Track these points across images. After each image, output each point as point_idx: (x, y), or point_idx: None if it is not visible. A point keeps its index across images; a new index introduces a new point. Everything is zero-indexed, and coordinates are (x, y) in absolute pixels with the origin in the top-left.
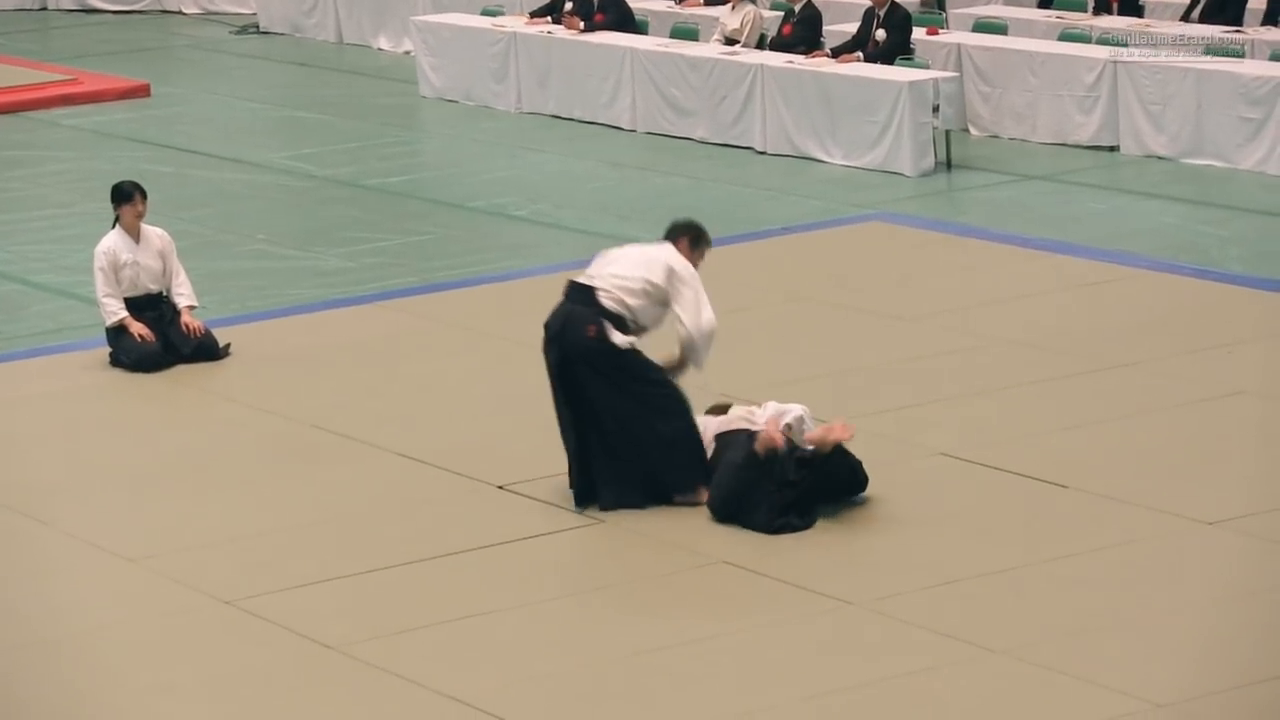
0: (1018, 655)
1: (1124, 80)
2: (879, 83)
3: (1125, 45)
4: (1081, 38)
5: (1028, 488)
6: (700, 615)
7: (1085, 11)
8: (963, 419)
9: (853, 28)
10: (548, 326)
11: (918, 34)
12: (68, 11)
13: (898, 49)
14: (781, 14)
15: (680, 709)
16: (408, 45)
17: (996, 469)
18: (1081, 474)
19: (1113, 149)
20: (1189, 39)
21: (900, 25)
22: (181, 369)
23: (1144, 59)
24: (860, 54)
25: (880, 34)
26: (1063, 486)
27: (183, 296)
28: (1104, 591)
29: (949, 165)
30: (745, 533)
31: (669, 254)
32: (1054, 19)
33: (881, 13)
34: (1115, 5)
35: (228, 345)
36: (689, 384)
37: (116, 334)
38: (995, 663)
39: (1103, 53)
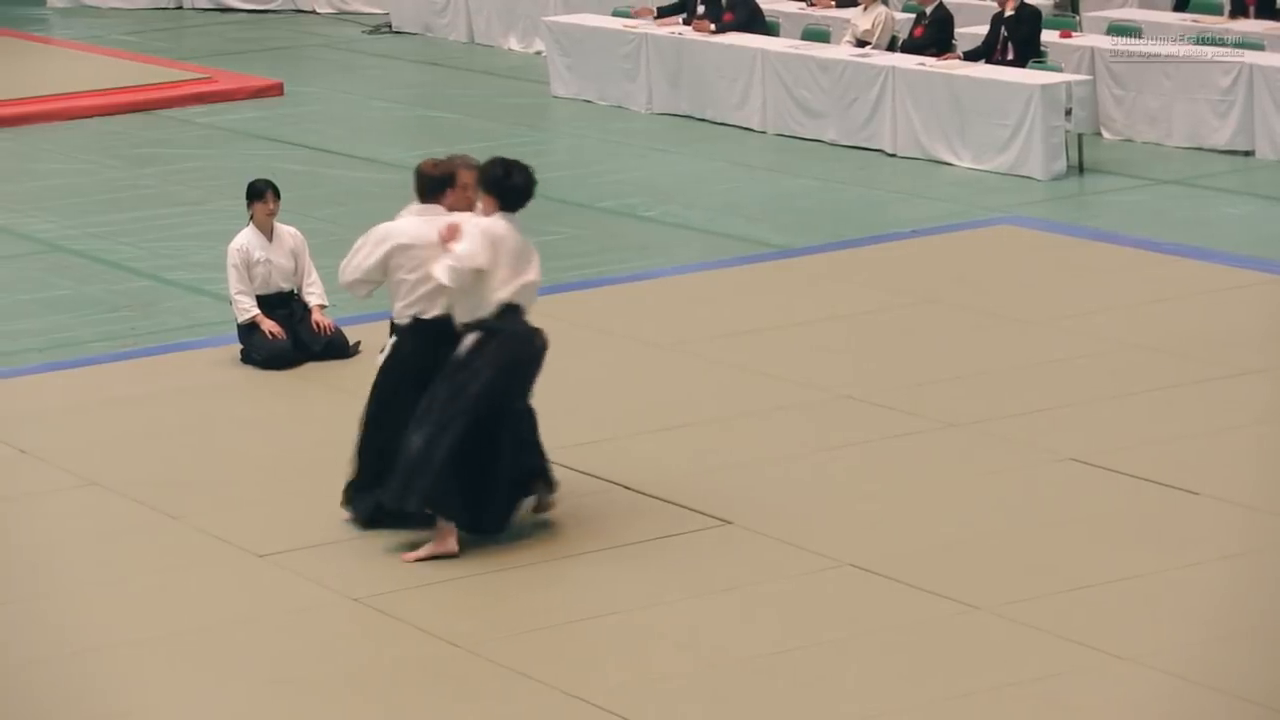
0: (1146, 663)
1: (1260, 84)
2: (1010, 86)
3: (1262, 48)
4: (1217, 41)
5: (1158, 494)
6: (827, 618)
7: (1221, 14)
8: (1093, 424)
9: (984, 30)
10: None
11: (1051, 37)
12: (203, 10)
13: (1028, 44)
14: (913, 16)
15: (806, 711)
16: (538, 45)
17: (1127, 474)
18: (1213, 480)
19: (1248, 153)
20: None
21: (1030, 19)
22: (311, 366)
23: None
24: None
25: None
26: (1194, 493)
27: (314, 295)
28: (1235, 599)
29: (1081, 169)
30: (873, 536)
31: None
32: (1189, 22)
33: (1009, 12)
34: (1252, 8)
35: (358, 343)
36: None
37: (248, 331)
38: (1124, 670)
39: (1239, 56)
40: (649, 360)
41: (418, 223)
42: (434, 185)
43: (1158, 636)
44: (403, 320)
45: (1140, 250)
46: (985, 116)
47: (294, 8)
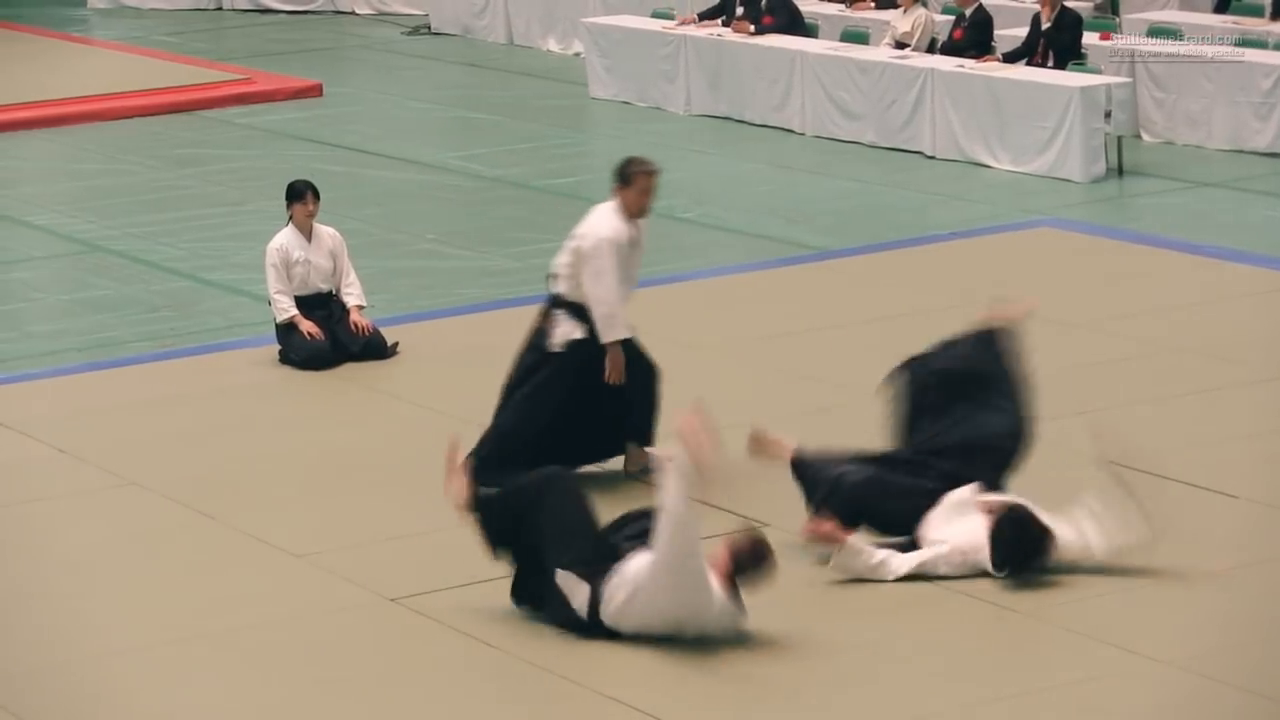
0: (1185, 666)
1: None
2: (1050, 88)
3: None
4: (1258, 44)
5: (1196, 497)
6: (863, 620)
7: (1263, 17)
8: (1131, 427)
9: (1024, 32)
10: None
11: (1091, 39)
12: (242, 11)
13: (1068, 50)
14: (953, 18)
15: (842, 713)
16: (577, 47)
17: (1165, 478)
18: (1252, 484)
19: None
20: None
21: (1070, 26)
22: (349, 367)
23: None
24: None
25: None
26: (1232, 497)
27: (352, 295)
28: (1275, 603)
29: (1120, 171)
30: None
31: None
32: (1230, 24)
33: (1047, 23)
34: None
35: (396, 344)
36: None
37: (286, 331)
38: (1162, 673)
39: (1239, 56)
40: (687, 362)
41: None
42: None
43: (1196, 640)
44: None
45: (1180, 253)
46: (1024, 119)
47: (333, 9)
